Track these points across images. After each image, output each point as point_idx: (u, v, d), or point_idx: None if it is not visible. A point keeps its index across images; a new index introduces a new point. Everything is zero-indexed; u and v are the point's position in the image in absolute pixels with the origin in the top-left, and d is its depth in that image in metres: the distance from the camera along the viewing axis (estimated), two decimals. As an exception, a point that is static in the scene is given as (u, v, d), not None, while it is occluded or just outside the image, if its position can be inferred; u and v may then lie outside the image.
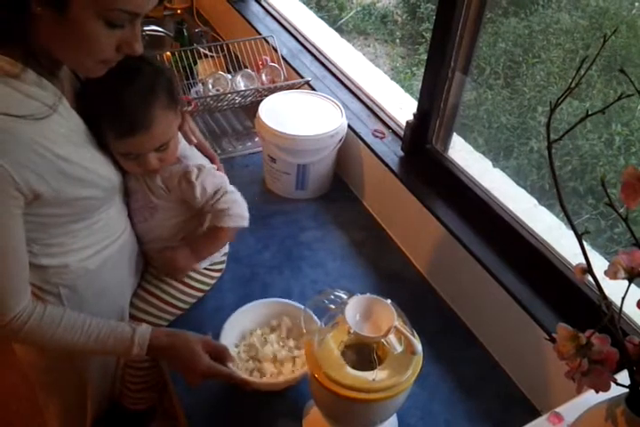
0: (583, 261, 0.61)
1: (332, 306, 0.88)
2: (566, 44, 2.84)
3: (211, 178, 1.03)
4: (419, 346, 0.81)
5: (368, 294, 0.87)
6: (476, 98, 2.49)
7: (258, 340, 1.08)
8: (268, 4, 1.94)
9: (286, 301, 1.12)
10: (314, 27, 1.82)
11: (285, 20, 1.85)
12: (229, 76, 1.56)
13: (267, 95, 1.47)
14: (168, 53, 1.69)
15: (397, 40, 4.05)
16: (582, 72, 0.57)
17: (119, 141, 0.90)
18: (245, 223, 1.09)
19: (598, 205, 2.10)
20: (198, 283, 1.16)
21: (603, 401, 0.63)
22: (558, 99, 0.59)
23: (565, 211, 0.61)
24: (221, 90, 1.53)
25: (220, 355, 1.00)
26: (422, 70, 1.26)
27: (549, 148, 0.60)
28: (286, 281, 1.26)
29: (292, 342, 1.08)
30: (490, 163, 1.36)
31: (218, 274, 1.20)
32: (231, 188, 1.07)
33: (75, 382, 1.10)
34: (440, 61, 1.18)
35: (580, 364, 0.51)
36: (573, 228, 0.60)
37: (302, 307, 0.90)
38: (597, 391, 0.55)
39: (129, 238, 1.06)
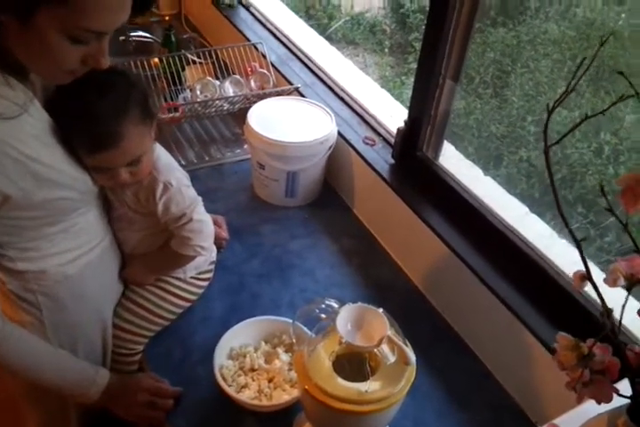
0: (578, 269, 0.60)
1: (323, 315, 0.86)
2: (554, 55, 2.86)
3: (177, 199, 0.99)
4: (412, 356, 0.79)
5: (359, 303, 0.85)
6: (465, 107, 2.49)
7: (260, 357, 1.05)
8: (257, 10, 1.93)
9: (278, 318, 1.09)
10: (303, 34, 1.81)
11: (274, 26, 1.84)
12: (217, 83, 1.54)
13: (255, 102, 1.45)
14: (156, 60, 1.67)
15: (386, 50, 4.06)
16: (580, 73, 0.56)
17: (89, 156, 0.87)
18: (205, 254, 1.08)
19: (588, 214, 2.10)
20: (185, 292, 1.13)
21: (603, 413, 0.61)
22: (556, 101, 0.58)
23: (563, 216, 0.59)
24: (209, 96, 1.51)
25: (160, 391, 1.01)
26: (412, 79, 1.24)
27: (547, 152, 0.59)
28: (275, 290, 1.23)
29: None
30: (480, 171, 1.35)
31: (205, 283, 1.18)
32: (199, 215, 1.03)
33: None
34: (430, 68, 1.17)
35: (581, 374, 0.49)
36: (572, 233, 0.58)
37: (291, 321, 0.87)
38: (599, 402, 0.53)
39: (110, 245, 1.03)
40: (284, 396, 0.99)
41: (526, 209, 1.25)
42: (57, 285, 0.95)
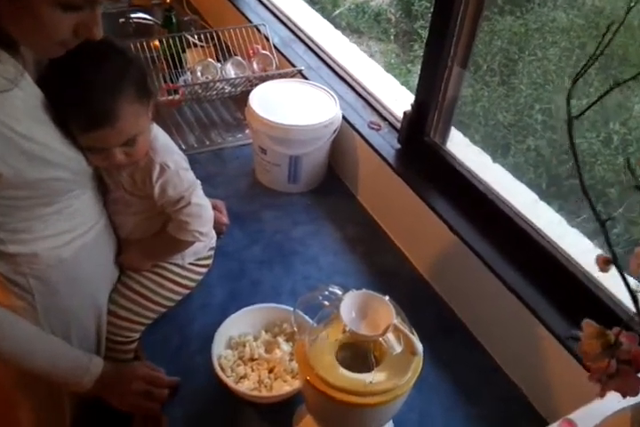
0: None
1: (326, 303, 0.82)
2: (562, 43, 2.81)
3: (175, 182, 0.95)
4: (419, 346, 0.75)
5: (364, 290, 0.81)
6: (472, 95, 2.44)
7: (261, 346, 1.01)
8: (261, -7, 1.87)
9: (279, 306, 1.05)
10: (307, 17, 1.76)
11: (278, 9, 1.79)
12: (219, 65, 1.49)
13: (257, 84, 1.41)
14: (156, 42, 1.63)
15: (392, 37, 4.00)
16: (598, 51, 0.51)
17: (82, 135, 0.83)
18: (203, 239, 1.03)
19: (596, 204, 2.06)
20: (183, 279, 1.09)
21: (625, 407, 0.57)
22: (581, 69, 0.54)
23: (587, 196, 0.55)
24: (210, 78, 1.47)
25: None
26: (418, 67, 1.20)
27: (570, 124, 0.54)
28: (277, 277, 1.20)
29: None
30: (489, 157, 1.31)
31: (204, 269, 1.14)
32: (198, 198, 0.99)
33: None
34: (439, 49, 1.13)
35: (608, 364, 0.45)
36: (596, 214, 0.54)
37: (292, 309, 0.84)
38: (625, 396, 0.49)
39: (106, 229, 1.00)
40: (285, 387, 0.95)
41: (535, 196, 1.21)
42: (49, 268, 0.91)
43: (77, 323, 0.98)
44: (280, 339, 1.01)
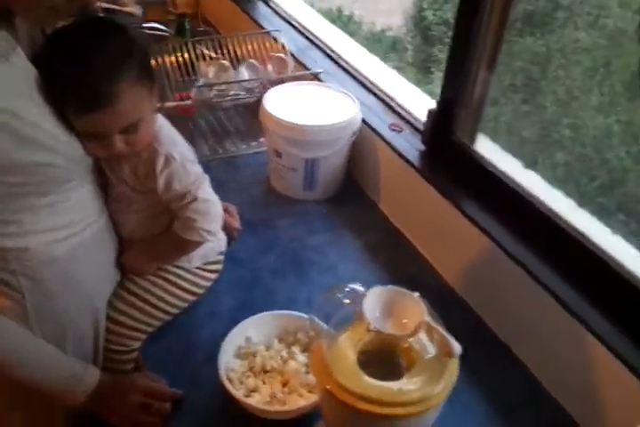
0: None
1: (347, 301, 0.72)
2: (586, 62, 2.76)
3: (180, 175, 0.87)
4: (457, 346, 0.65)
5: (390, 286, 0.72)
6: (497, 111, 2.37)
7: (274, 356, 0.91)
8: (276, 4, 1.84)
9: (293, 313, 0.95)
10: (324, 25, 1.72)
11: (294, 19, 1.75)
12: (233, 71, 1.44)
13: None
14: (172, 58, 1.58)
15: (409, 63, 3.98)
16: None
17: (78, 118, 0.77)
18: (211, 239, 0.95)
19: (628, 221, 1.95)
20: (190, 284, 1.00)
21: None
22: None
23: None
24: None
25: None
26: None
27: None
28: (292, 286, 1.10)
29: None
30: (520, 163, 1.22)
31: (213, 275, 1.05)
32: (205, 194, 0.91)
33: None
34: (465, 45, 1.05)
35: None
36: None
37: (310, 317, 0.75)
38: None
39: (106, 228, 0.92)
40: (301, 402, 0.84)
41: (573, 203, 1.11)
42: (41, 265, 0.83)
43: (72, 328, 0.89)
44: (295, 349, 0.91)
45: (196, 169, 0.91)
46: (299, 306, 1.04)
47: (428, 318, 0.65)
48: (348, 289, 0.72)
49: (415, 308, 0.68)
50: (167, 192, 0.88)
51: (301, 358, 0.90)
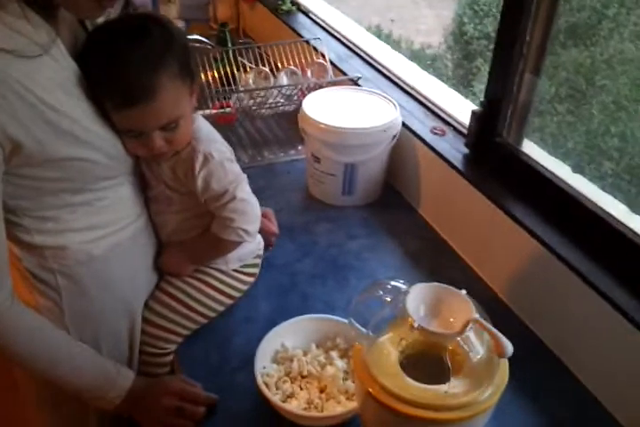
0: None
1: (388, 299, 0.69)
2: (633, 73, 2.68)
3: (219, 173, 0.86)
4: (509, 345, 0.60)
5: (435, 283, 0.68)
6: (541, 121, 2.31)
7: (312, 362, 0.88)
8: (316, 15, 1.85)
9: (332, 317, 0.92)
10: (363, 35, 1.71)
11: (333, 29, 1.75)
12: (272, 77, 1.43)
13: (312, 94, 1.33)
14: (211, 58, 1.59)
15: (449, 78, 3.95)
16: None
17: (118, 113, 0.76)
18: (249, 239, 0.92)
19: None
20: (226, 287, 0.98)
21: None
22: None
23: None
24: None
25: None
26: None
27: None
28: (330, 292, 1.07)
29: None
30: (569, 168, 1.17)
31: (250, 279, 1.02)
32: (244, 193, 0.89)
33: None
34: (511, 42, 1.02)
35: None
36: None
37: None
38: None
39: (145, 229, 0.91)
40: (339, 408, 0.80)
41: (626, 208, 1.05)
42: (79, 265, 0.82)
43: (107, 329, 0.88)
44: (333, 354, 0.87)
45: (235, 168, 0.90)
46: (337, 312, 1.01)
47: (477, 315, 0.61)
48: (389, 286, 0.69)
49: (462, 306, 0.64)
50: (206, 191, 0.87)
51: (340, 363, 0.86)
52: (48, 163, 0.72)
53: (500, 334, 0.60)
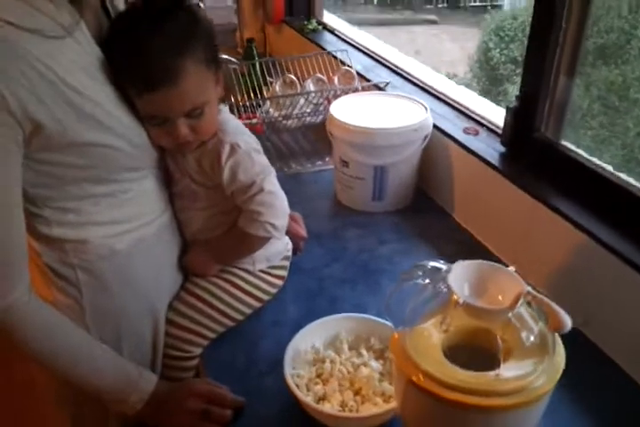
0: None
1: (427, 280, 0.63)
2: (667, 89, 2.62)
3: (246, 164, 0.82)
4: (567, 318, 0.54)
5: (479, 260, 0.62)
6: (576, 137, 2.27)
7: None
8: (342, 33, 1.85)
9: (366, 316, 0.86)
10: (388, 48, 1.70)
11: (359, 44, 1.74)
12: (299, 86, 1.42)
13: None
14: (238, 72, 1.59)
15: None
16: None
17: (141, 99, 0.73)
18: (277, 235, 0.87)
19: None
20: (254, 288, 0.93)
21: None
22: None
23: None
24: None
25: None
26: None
27: None
28: (360, 296, 1.01)
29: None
30: (610, 166, 1.11)
31: (278, 281, 0.97)
32: (271, 185, 0.85)
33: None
34: (546, 31, 0.99)
35: None
36: None
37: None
38: None
39: (170, 226, 0.87)
40: (375, 410, 0.73)
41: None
42: (101, 261, 0.78)
43: (130, 329, 0.83)
44: (368, 355, 0.81)
45: (263, 160, 0.86)
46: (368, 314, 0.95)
47: (529, 288, 0.55)
48: (429, 267, 0.63)
49: (511, 282, 0.58)
50: (232, 183, 0.83)
51: (375, 364, 0.80)
52: (69, 148, 0.70)
53: (556, 306, 0.54)
